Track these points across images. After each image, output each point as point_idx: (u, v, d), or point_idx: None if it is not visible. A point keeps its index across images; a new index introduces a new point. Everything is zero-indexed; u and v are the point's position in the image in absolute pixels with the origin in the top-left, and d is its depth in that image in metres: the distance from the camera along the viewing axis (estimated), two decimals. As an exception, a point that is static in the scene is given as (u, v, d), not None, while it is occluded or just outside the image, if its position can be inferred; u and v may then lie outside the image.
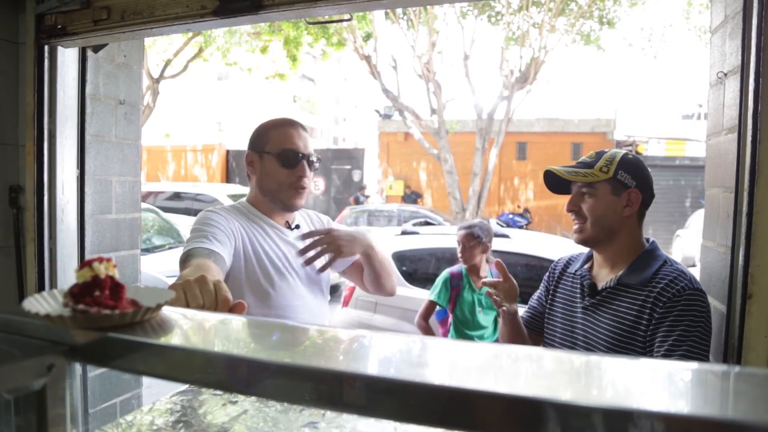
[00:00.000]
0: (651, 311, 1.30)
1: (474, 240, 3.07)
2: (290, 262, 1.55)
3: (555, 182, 1.50)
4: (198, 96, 35.04)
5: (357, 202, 15.18)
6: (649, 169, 1.46)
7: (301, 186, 1.54)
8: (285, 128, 1.55)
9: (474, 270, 3.10)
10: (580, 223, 1.45)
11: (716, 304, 1.37)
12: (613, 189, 1.41)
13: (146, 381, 2.20)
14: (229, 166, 18.05)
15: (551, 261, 1.91)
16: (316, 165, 1.59)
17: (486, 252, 3.11)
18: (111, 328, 0.59)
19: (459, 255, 3.13)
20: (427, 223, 10.25)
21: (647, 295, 1.32)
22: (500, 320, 1.57)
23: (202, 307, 0.87)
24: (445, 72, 28.10)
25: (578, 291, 1.48)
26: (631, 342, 1.32)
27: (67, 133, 1.83)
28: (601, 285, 1.43)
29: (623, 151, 1.46)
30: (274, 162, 1.53)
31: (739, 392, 0.42)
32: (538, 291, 1.64)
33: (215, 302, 0.88)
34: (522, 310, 1.60)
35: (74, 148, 1.85)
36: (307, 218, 1.72)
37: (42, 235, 1.80)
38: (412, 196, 16.75)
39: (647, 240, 1.46)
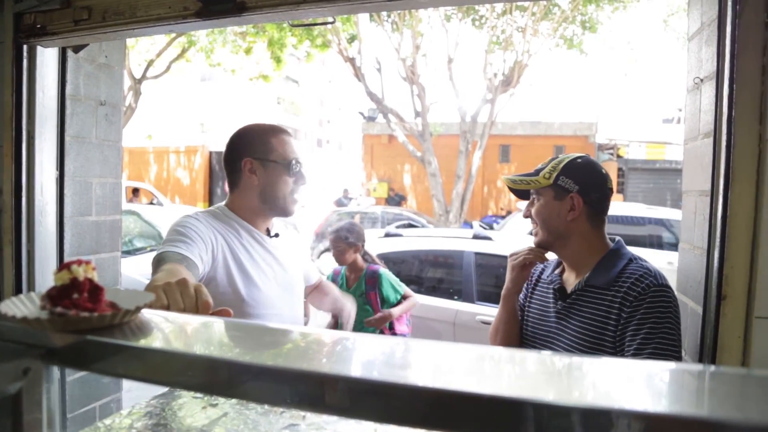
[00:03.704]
0: (618, 311, 1.32)
1: (342, 242, 3.20)
2: (268, 269, 1.55)
3: (517, 189, 1.54)
4: (181, 97, 34.69)
5: (340, 204, 15.15)
6: (602, 170, 1.47)
7: (300, 194, 1.58)
8: (284, 137, 1.57)
9: (354, 269, 3.24)
10: (534, 228, 1.50)
11: (692, 305, 1.39)
12: (555, 194, 1.44)
13: (126, 384, 2.17)
14: (212, 167, 17.89)
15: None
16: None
17: (358, 251, 3.23)
18: (89, 330, 0.58)
19: (333, 257, 3.31)
20: (411, 226, 10.27)
21: (614, 296, 1.34)
22: (502, 296, 1.57)
23: (182, 311, 0.86)
24: (429, 75, 28.26)
25: (551, 296, 1.50)
26: (601, 343, 1.33)
27: (46, 135, 1.80)
28: (570, 289, 1.45)
29: (573, 155, 1.48)
30: (282, 171, 1.54)
31: (713, 391, 0.43)
32: (521, 294, 1.66)
33: (196, 307, 0.87)
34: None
35: (53, 149, 1.82)
36: (284, 226, 1.73)
37: (20, 237, 1.77)
38: (395, 199, 16.78)
39: (612, 239, 1.47)
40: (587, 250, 1.44)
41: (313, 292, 1.92)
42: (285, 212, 1.58)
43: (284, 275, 1.59)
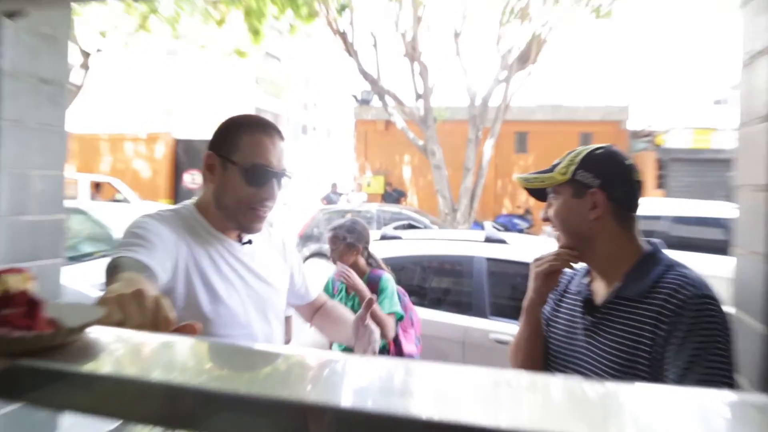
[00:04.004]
0: (653, 328, 1.32)
1: (340, 242, 3.20)
2: (238, 282, 1.54)
3: (533, 189, 1.56)
4: (141, 76, 34.68)
5: (329, 201, 15.16)
6: (626, 160, 1.47)
7: (265, 209, 1.53)
8: (259, 135, 1.53)
9: (356, 272, 3.18)
10: (556, 231, 1.52)
11: (751, 323, 1.38)
12: (574, 191, 1.46)
13: (68, 420, 2.15)
14: (177, 158, 17.89)
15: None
16: (287, 182, 1.58)
17: (359, 254, 3.23)
18: (24, 353, 0.57)
19: (330, 258, 3.31)
20: (411, 226, 10.27)
21: (647, 310, 1.34)
22: (523, 309, 1.57)
23: (139, 329, 0.85)
24: (432, 51, 28.28)
25: (579, 308, 1.51)
26: (634, 366, 1.33)
27: (-24, 118, 1.79)
28: (599, 301, 1.46)
29: (593, 147, 1.51)
30: (239, 177, 1.50)
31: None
32: (546, 306, 1.66)
33: (155, 322, 0.86)
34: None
35: (-14, 135, 1.81)
36: (267, 233, 1.72)
37: (-55, 240, 1.75)
38: (393, 195, 16.81)
39: (649, 242, 1.48)
40: (617, 255, 1.45)
41: (318, 315, 1.91)
42: (242, 226, 1.55)
43: (258, 288, 1.59)
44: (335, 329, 1.90)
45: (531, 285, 1.55)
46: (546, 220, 1.53)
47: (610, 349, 1.39)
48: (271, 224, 1.79)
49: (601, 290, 1.49)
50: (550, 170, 1.51)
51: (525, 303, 1.57)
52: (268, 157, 1.51)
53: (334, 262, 3.25)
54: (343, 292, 3.24)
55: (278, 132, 1.58)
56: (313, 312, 1.91)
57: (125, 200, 13.14)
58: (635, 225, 1.48)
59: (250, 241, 1.62)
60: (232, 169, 1.51)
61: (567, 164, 1.48)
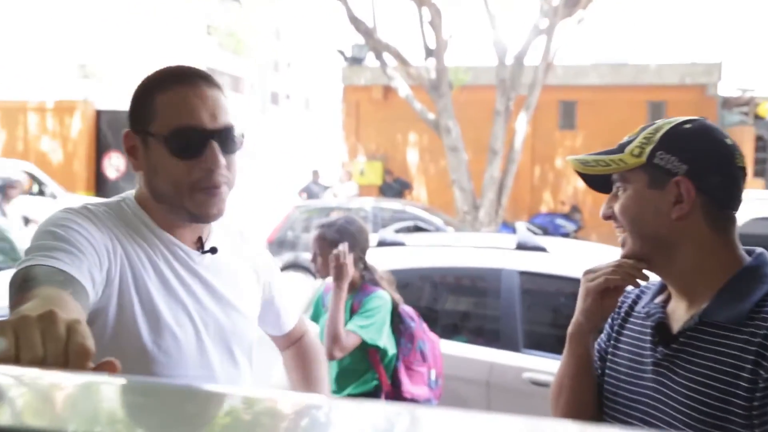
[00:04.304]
0: (755, 365, 1.32)
1: (328, 247, 3.19)
2: (193, 305, 1.54)
3: (593, 176, 1.55)
4: (47, 21, 34.51)
5: (310, 195, 15.15)
6: (726, 139, 1.46)
7: (214, 183, 1.51)
8: (178, 89, 1.51)
9: (349, 287, 3.18)
10: (621, 233, 1.51)
11: None
12: (651, 179, 1.45)
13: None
14: (99, 135, 17.85)
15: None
16: (238, 143, 1.56)
17: (356, 262, 3.21)
18: None
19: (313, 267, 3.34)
20: (419, 229, 10.27)
21: (748, 341, 1.34)
22: (569, 337, 1.58)
23: (42, 363, 0.85)
24: (447, -11, 28.22)
25: (648, 337, 1.51)
26: (724, 415, 1.33)
27: None
28: (677, 327, 1.46)
29: (677, 120, 1.49)
30: (163, 150, 1.49)
31: None
32: (602, 334, 1.67)
33: (64, 355, 0.86)
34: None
35: None
36: (229, 237, 1.71)
37: None
38: (394, 187, 16.80)
39: (749, 252, 1.48)
40: (705, 267, 1.45)
41: (291, 351, 1.95)
42: (193, 215, 1.54)
43: (221, 315, 1.59)
44: (300, 381, 1.96)
45: (580, 305, 1.55)
46: (608, 217, 1.52)
47: (690, 392, 1.38)
48: (242, 232, 1.79)
49: (680, 313, 1.48)
50: (618, 150, 1.50)
51: (571, 329, 1.57)
52: (194, 113, 1.49)
53: (318, 275, 3.24)
54: None
55: (206, 78, 1.55)
56: (288, 344, 1.93)
57: (51, 195, 13.10)
58: (733, 227, 1.48)
59: (213, 249, 1.61)
60: (154, 144, 1.51)
61: (641, 143, 1.47)
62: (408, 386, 3.23)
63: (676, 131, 1.46)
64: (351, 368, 3.24)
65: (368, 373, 3.26)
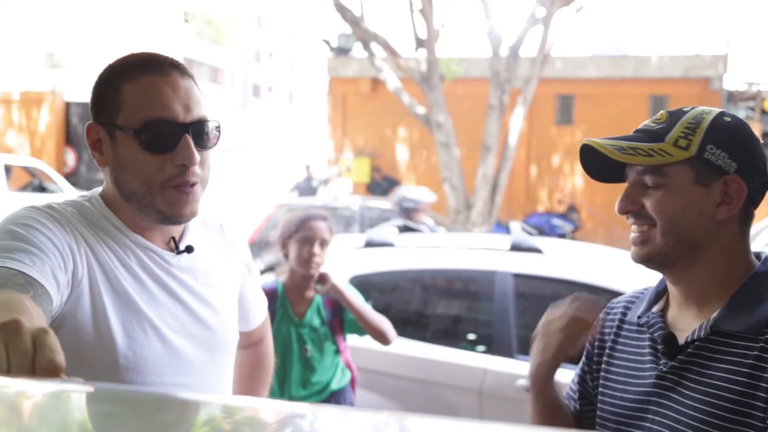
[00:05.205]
0: None
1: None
2: (174, 310, 1.53)
3: (598, 164, 1.50)
4: (11, 7, 34.31)
5: (302, 192, 15.15)
6: (757, 138, 1.45)
7: (188, 180, 1.48)
8: (147, 78, 1.48)
9: (304, 284, 3.23)
10: (641, 230, 1.45)
11: None
12: (698, 175, 1.40)
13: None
14: (69, 129, 17.77)
15: (613, 292, 1.92)
16: (213, 137, 1.54)
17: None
18: None
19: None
20: (408, 229, 10.29)
21: (763, 350, 1.33)
22: (530, 382, 1.58)
23: (7, 375, 0.84)
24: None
25: (647, 350, 1.49)
26: (742, 425, 1.32)
27: None
28: (684, 337, 1.43)
29: (710, 110, 1.45)
30: (132, 144, 1.46)
31: None
32: (583, 357, 1.66)
33: (31, 366, 0.86)
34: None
35: None
36: (207, 230, 1.71)
37: None
38: (383, 185, 16.83)
39: (758, 256, 1.47)
40: (720, 273, 1.43)
41: (246, 353, 1.95)
42: (165, 215, 1.50)
43: (204, 319, 1.58)
44: (247, 384, 1.97)
45: (537, 352, 1.55)
46: (628, 212, 1.47)
47: (702, 405, 1.36)
48: (222, 226, 1.79)
49: (685, 320, 1.46)
50: (654, 138, 1.43)
51: (530, 371, 1.57)
52: (166, 104, 1.46)
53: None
54: (290, 314, 3.26)
55: (177, 67, 1.52)
56: (247, 344, 1.92)
57: (59, 189, 13.13)
58: (750, 230, 1.47)
59: (189, 248, 1.59)
60: (122, 137, 1.48)
61: (684, 133, 1.41)
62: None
63: (720, 124, 1.41)
64: (326, 366, 3.25)
65: (339, 367, 3.31)
